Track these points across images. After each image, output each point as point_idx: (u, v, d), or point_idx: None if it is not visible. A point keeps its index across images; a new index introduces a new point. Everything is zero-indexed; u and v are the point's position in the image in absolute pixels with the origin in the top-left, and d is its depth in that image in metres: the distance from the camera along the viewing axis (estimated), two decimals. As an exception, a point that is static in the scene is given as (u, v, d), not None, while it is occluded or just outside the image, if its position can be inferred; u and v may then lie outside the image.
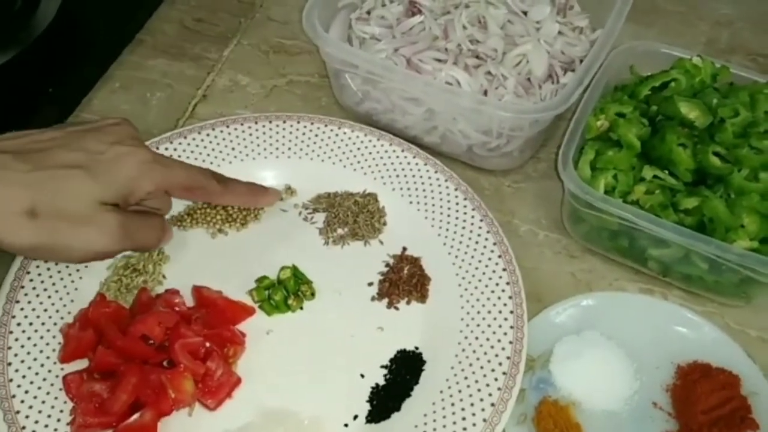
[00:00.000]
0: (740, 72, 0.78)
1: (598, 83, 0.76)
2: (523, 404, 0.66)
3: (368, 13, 0.86)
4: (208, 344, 0.66)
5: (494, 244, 0.73)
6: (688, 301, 0.74)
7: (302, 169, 0.80)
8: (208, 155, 0.79)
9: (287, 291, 0.71)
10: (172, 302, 0.69)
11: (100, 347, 0.65)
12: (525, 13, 0.85)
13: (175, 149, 0.79)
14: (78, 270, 0.71)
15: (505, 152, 0.80)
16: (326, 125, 0.81)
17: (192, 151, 0.79)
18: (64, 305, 0.69)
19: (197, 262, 0.74)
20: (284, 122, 0.81)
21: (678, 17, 0.99)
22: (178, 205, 0.77)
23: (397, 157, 0.79)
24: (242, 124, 0.81)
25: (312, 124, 0.81)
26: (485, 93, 0.78)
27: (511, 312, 0.69)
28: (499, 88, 0.78)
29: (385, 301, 0.72)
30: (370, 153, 0.80)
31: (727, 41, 0.97)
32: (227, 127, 0.81)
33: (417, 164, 0.79)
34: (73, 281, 0.71)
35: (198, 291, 0.70)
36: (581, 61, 0.80)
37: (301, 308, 0.72)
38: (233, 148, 0.80)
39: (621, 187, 0.71)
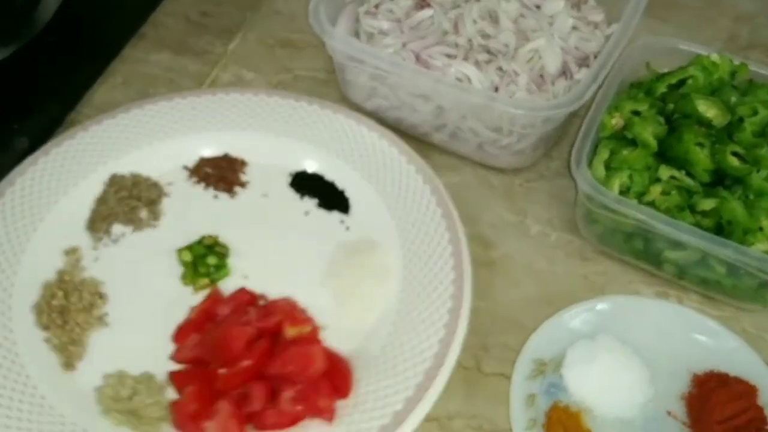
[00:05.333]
0: (759, 69, 0.76)
1: (613, 80, 0.75)
2: (533, 409, 0.65)
3: (376, 6, 0.84)
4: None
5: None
6: (704, 305, 0.73)
7: None
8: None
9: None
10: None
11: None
12: (538, 7, 0.84)
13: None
14: None
15: (516, 150, 0.79)
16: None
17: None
18: None
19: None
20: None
21: (697, 12, 0.97)
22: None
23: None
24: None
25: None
26: (496, 89, 0.77)
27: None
28: (510, 85, 0.77)
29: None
30: None
31: (748, 37, 0.95)
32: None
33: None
34: None
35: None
36: (596, 57, 0.78)
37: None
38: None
39: (636, 188, 0.69)
